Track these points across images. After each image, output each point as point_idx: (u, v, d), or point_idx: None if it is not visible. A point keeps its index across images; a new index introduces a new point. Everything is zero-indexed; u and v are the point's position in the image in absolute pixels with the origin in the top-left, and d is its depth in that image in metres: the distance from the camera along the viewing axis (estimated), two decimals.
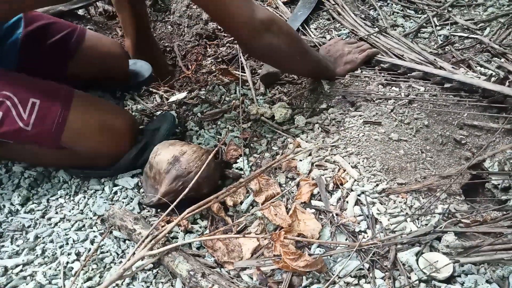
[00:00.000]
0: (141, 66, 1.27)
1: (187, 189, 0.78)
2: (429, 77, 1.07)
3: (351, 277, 0.71)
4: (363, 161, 0.90)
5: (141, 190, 0.93)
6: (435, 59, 1.12)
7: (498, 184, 0.90)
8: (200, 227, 0.84)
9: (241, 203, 0.87)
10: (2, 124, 0.82)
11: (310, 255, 0.74)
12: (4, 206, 0.92)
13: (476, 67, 1.12)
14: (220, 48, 1.44)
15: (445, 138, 0.97)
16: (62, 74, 1.03)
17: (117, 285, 0.75)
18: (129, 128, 0.95)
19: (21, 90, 0.83)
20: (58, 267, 0.79)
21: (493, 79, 1.02)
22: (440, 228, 0.75)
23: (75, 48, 1.07)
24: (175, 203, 0.76)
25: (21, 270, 0.79)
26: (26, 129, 0.82)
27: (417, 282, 0.70)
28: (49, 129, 0.84)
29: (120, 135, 0.94)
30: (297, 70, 1.05)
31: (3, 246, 0.84)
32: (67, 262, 0.79)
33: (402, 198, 0.84)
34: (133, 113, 1.15)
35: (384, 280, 0.70)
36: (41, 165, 0.99)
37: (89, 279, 0.76)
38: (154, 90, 1.25)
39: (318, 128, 1.01)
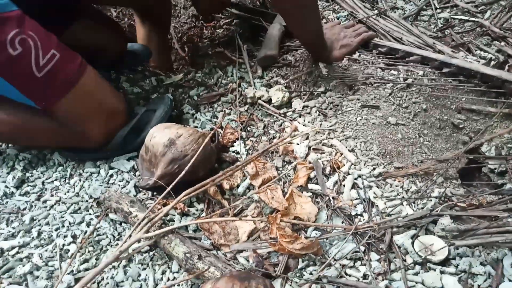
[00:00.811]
0: (138, 48, 1.25)
1: (183, 172, 0.77)
2: (427, 61, 1.06)
3: (347, 259, 0.71)
4: (360, 144, 0.90)
5: (137, 173, 0.93)
6: (434, 43, 1.11)
7: (495, 169, 0.90)
8: (197, 210, 0.84)
9: (238, 186, 0.86)
10: (17, 62, 0.79)
11: (306, 238, 0.74)
12: None
13: (475, 50, 1.11)
14: (217, 30, 1.42)
15: (443, 122, 0.97)
16: None
17: (113, 267, 0.75)
18: (123, 112, 0.95)
19: (46, 38, 0.82)
20: (54, 249, 0.78)
21: (492, 62, 1.01)
22: (436, 211, 0.76)
23: (71, 18, 1.04)
24: (171, 186, 0.75)
25: (17, 252, 0.79)
26: (36, 75, 0.80)
27: (412, 264, 0.70)
28: (57, 84, 0.83)
29: (115, 117, 0.93)
30: (306, 25, 1.01)
31: None
32: (63, 245, 0.79)
33: (399, 182, 0.84)
34: (129, 96, 1.14)
35: (380, 263, 0.71)
36: (30, 144, 0.98)
37: (86, 261, 0.76)
38: (151, 70, 1.23)
39: (316, 112, 1.00)
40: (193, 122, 1.05)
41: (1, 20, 0.76)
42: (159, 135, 0.84)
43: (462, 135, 0.97)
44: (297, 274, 0.70)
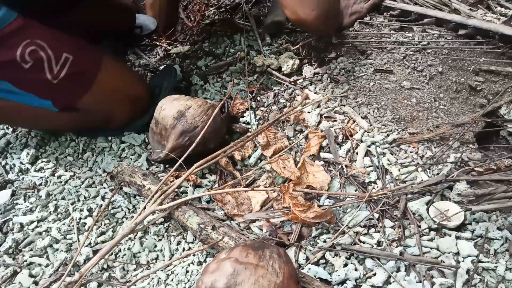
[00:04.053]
0: (145, 20, 1.22)
1: (194, 144, 0.77)
2: (442, 23, 1.01)
3: (361, 227, 0.71)
4: (373, 111, 0.88)
5: (149, 146, 0.93)
6: (450, 0, 1.05)
7: None
8: (209, 182, 0.84)
9: (249, 157, 0.86)
10: (30, 72, 0.78)
11: (319, 206, 0.74)
12: (14, 165, 0.93)
13: (495, 7, 1.05)
14: None
15: (459, 85, 0.93)
16: (68, 24, 0.99)
17: (130, 238, 0.76)
18: (145, 96, 0.95)
19: (55, 42, 0.79)
20: (71, 223, 0.80)
21: None
22: (452, 177, 0.74)
23: None
24: (182, 158, 0.75)
25: (36, 226, 0.81)
26: (52, 82, 0.79)
27: (427, 230, 0.70)
28: (74, 87, 0.82)
29: (137, 102, 0.93)
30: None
31: (17, 203, 0.86)
32: (80, 218, 0.81)
33: (414, 147, 0.82)
34: (136, 69, 1.12)
35: (394, 229, 0.70)
36: (49, 128, 0.98)
37: (102, 233, 0.78)
38: (157, 43, 1.21)
39: (327, 79, 0.97)
40: (202, 93, 1.03)
41: (6, 37, 0.73)
42: (168, 108, 0.83)
43: (479, 97, 0.93)
44: (311, 242, 0.70)
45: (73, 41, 0.82)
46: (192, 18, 1.34)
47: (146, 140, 0.94)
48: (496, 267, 0.64)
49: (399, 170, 0.79)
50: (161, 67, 1.11)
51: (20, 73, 0.77)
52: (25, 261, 0.75)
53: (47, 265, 0.74)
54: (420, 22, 1.03)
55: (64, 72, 0.79)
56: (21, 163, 0.93)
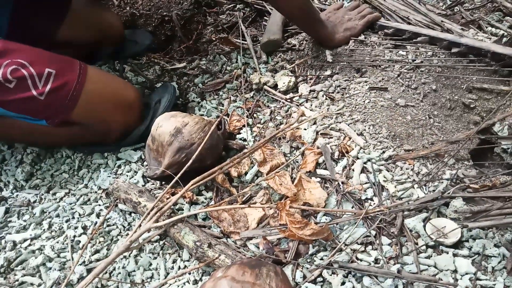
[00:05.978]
0: (140, 35, 1.24)
1: (190, 161, 0.77)
2: (435, 42, 1.03)
3: (358, 244, 0.71)
4: (369, 128, 0.88)
5: (145, 163, 0.93)
6: (442, 21, 1.08)
7: (508, 148, 0.88)
8: (205, 199, 0.84)
9: (246, 173, 0.86)
10: (15, 91, 0.78)
11: (316, 223, 0.73)
12: (8, 182, 0.92)
13: (486, 27, 1.08)
14: (220, 16, 1.40)
15: (453, 103, 0.94)
16: (54, 40, 1.00)
17: (124, 257, 0.75)
18: (138, 101, 0.95)
19: (37, 59, 0.80)
20: (65, 240, 0.79)
21: (504, 39, 0.98)
22: (448, 193, 0.74)
23: (66, 8, 1.03)
24: (179, 175, 0.75)
25: (30, 245, 0.80)
26: (39, 98, 0.79)
27: (424, 247, 0.69)
28: (63, 100, 0.82)
29: (131, 109, 0.93)
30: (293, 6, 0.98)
31: (10, 221, 0.84)
32: (74, 236, 0.80)
33: (409, 164, 0.83)
34: (134, 85, 1.13)
35: (391, 247, 0.70)
36: (48, 144, 0.98)
37: (97, 251, 0.77)
38: (155, 60, 1.22)
39: (323, 96, 0.98)
40: (199, 110, 1.04)
41: None
42: (165, 124, 0.84)
43: (473, 115, 0.95)
44: (308, 260, 0.70)
45: (54, 56, 0.83)
46: (190, 36, 1.36)
47: (142, 157, 0.94)
48: (495, 285, 0.64)
49: (395, 187, 0.79)
50: (158, 85, 1.12)
51: (7, 95, 0.78)
52: (17, 280, 0.74)
53: (39, 285, 0.73)
54: (413, 40, 1.05)
55: (49, 86, 0.80)
56: (15, 180, 0.92)
